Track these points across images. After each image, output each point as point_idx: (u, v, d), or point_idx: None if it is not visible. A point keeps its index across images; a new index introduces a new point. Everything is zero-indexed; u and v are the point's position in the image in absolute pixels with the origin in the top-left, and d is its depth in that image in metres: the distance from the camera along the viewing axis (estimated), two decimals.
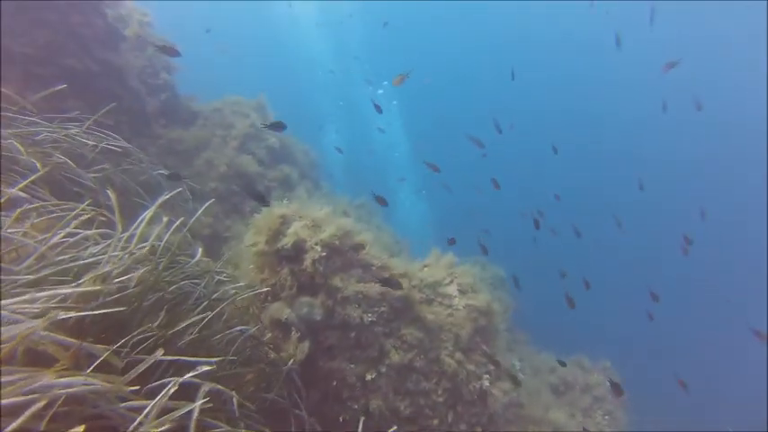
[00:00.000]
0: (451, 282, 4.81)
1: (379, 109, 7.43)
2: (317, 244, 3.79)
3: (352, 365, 4.05)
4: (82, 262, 2.48)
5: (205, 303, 3.18)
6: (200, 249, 3.48)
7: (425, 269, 4.88)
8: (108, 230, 3.18)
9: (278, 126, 5.95)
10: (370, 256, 4.37)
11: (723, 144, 27.53)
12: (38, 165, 3.89)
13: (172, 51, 5.46)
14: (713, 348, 20.72)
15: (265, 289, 4.04)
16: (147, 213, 3.08)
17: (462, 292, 4.77)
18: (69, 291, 2.23)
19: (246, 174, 7.52)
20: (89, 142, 4.45)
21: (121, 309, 2.39)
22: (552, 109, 30.58)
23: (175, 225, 3.20)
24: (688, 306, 23.32)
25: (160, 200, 3.05)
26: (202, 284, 3.23)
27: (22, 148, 3.92)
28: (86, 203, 3.17)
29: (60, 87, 4.64)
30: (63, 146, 4.37)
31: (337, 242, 3.88)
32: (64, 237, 2.77)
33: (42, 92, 5.17)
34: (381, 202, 6.18)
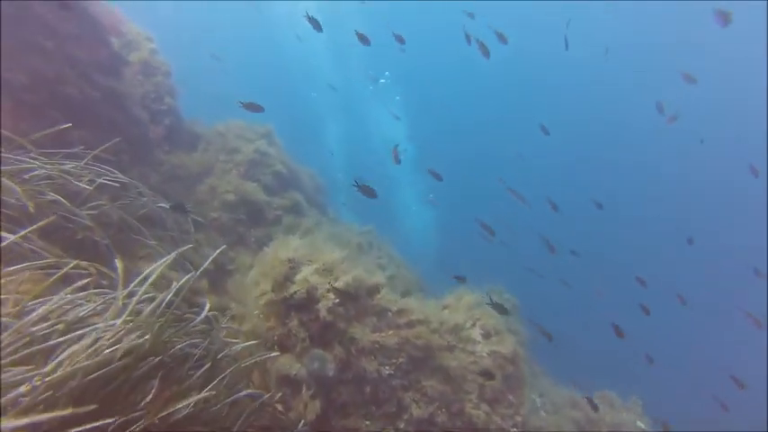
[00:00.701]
0: (474, 324, 4.44)
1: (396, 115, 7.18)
2: (329, 291, 3.44)
3: (367, 422, 3.67)
4: (66, 337, 2.14)
5: (207, 365, 2.83)
6: (207, 304, 3.13)
7: (445, 311, 4.52)
8: (103, 290, 2.85)
9: (254, 107, 5.63)
10: (385, 300, 4.02)
11: (723, 144, 27.25)
12: (29, 206, 3.60)
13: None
14: (713, 348, 20.55)
15: (273, 335, 3.69)
16: (156, 268, 2.75)
17: (486, 336, 4.39)
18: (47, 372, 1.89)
19: (252, 201, 7.22)
20: (80, 184, 4.15)
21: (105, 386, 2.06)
22: (552, 109, 30.20)
23: (177, 286, 2.87)
24: (687, 306, 23.06)
25: (163, 261, 2.72)
26: (205, 344, 2.88)
27: (19, 189, 3.64)
28: (75, 263, 2.82)
29: (65, 126, 4.38)
30: (57, 182, 4.08)
31: (352, 291, 3.53)
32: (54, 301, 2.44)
33: (35, 122, 4.91)
34: (367, 192, 5.14)
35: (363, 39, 6.99)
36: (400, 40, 8.45)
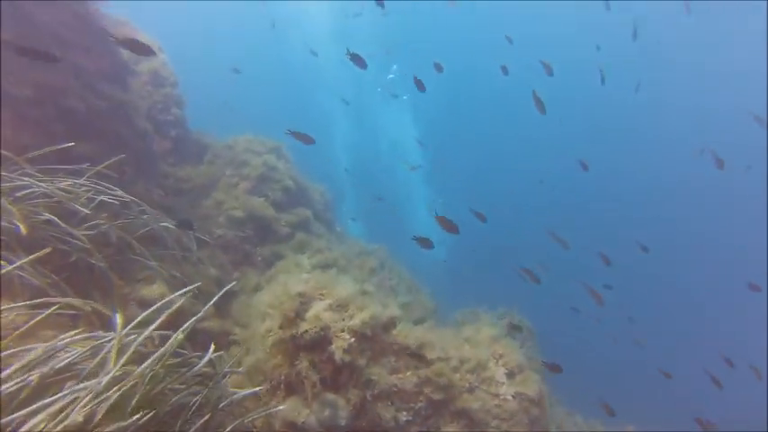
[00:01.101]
0: (497, 362, 4.09)
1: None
2: (343, 331, 3.12)
3: None
4: (47, 401, 1.83)
5: (207, 417, 2.51)
6: (211, 347, 2.81)
7: (466, 346, 4.18)
8: (93, 333, 2.54)
9: (305, 138, 5.61)
10: (402, 335, 3.69)
11: (723, 144, 27.55)
12: (22, 228, 3.33)
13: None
14: (713, 348, 20.56)
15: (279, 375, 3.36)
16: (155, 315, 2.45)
17: (510, 375, 4.04)
18: None
19: (260, 217, 6.94)
20: (76, 206, 3.88)
21: None
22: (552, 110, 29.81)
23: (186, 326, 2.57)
24: (687, 306, 23.11)
25: (166, 313, 2.42)
26: (204, 392, 2.56)
27: (13, 209, 3.38)
28: (66, 301, 2.53)
29: (67, 145, 4.13)
30: (53, 201, 3.81)
31: (369, 331, 3.21)
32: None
33: (37, 136, 4.67)
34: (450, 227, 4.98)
35: (357, 59, 6.02)
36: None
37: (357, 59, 5.68)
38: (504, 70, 7.77)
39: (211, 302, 2.80)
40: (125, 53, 7.58)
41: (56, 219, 3.64)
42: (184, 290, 2.73)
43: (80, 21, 5.50)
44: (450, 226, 5.00)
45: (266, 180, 7.32)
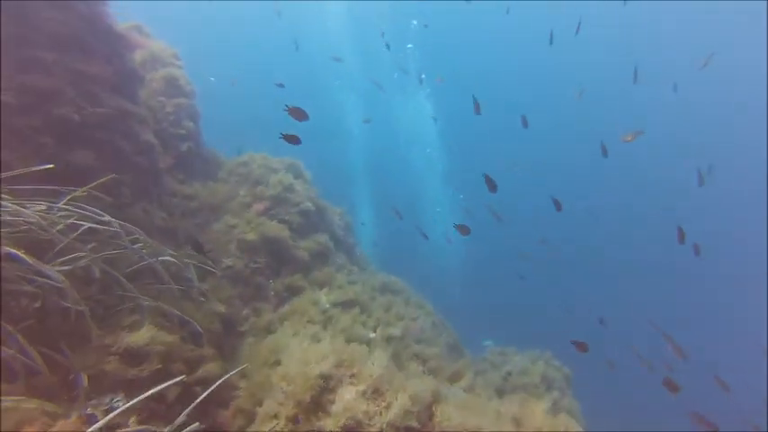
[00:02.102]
0: None
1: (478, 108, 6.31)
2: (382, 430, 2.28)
3: None
4: None
5: None
6: None
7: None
8: None
9: (293, 139, 4.50)
10: (446, 420, 2.82)
11: (723, 144, 26.95)
12: None
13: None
14: (713, 348, 20.29)
15: None
16: None
17: None
18: None
19: (275, 245, 6.18)
20: (52, 235, 3.17)
21: None
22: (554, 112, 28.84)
23: None
24: (687, 305, 22.88)
25: None
26: None
27: None
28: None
29: (45, 167, 3.45)
30: (18, 231, 3.10)
31: (414, 422, 2.36)
32: None
33: (22, 150, 4.01)
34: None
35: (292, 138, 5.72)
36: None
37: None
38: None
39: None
40: (137, 58, 7.03)
41: (19, 254, 2.91)
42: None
43: (84, 23, 4.89)
44: (465, 231, 5.53)
45: (283, 202, 6.59)
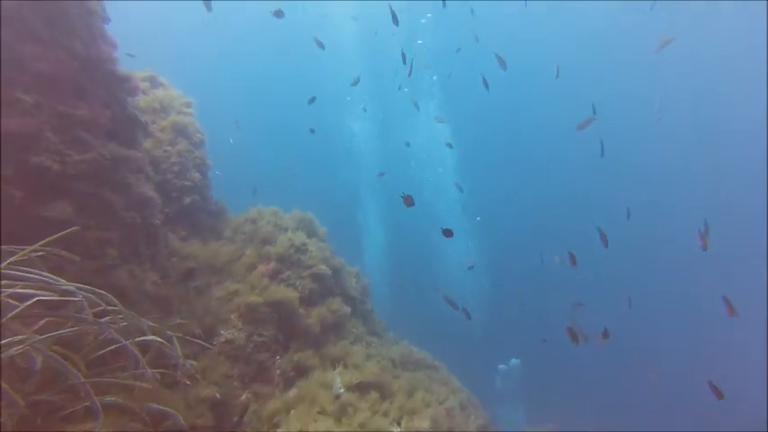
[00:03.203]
0: None
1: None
2: None
3: None
4: None
5: None
6: None
7: None
8: None
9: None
10: None
11: (722, 144, 26.82)
12: None
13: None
14: (713, 348, 20.40)
15: None
16: None
17: None
18: None
19: (283, 314, 5.31)
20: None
21: None
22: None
23: None
24: (687, 305, 22.89)
25: None
26: None
27: None
28: None
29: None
30: None
31: None
32: None
33: None
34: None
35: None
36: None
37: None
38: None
39: None
40: (143, 105, 6.57)
41: None
42: None
43: (80, 63, 4.38)
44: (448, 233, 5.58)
45: (294, 264, 5.78)
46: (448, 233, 5.56)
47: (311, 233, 6.77)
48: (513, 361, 16.16)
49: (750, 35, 21.15)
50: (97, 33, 4.76)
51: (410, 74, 7.21)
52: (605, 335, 6.85)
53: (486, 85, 8.18)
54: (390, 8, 7.05)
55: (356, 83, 8.59)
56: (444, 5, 8.89)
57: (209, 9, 7.22)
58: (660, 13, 21.10)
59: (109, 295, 3.32)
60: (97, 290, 3.15)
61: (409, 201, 5.50)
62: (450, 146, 12.15)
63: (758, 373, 18.08)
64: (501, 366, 16.02)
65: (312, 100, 8.56)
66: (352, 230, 18.63)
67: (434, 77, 19.68)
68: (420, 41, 19.60)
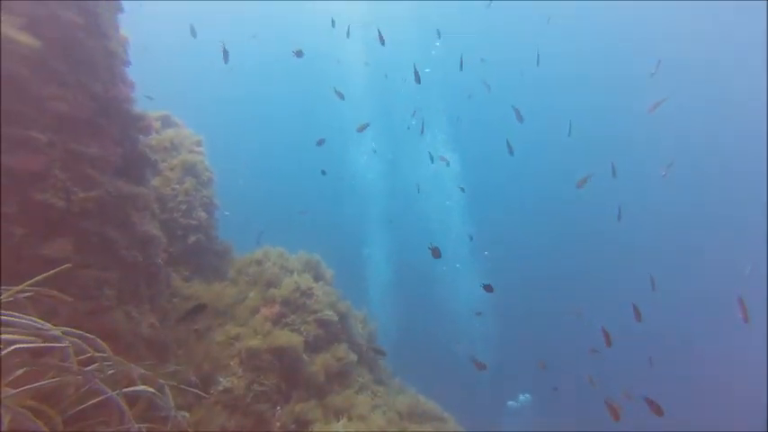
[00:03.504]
0: None
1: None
2: None
3: None
4: None
5: None
6: None
7: None
8: None
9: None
10: None
11: (723, 144, 26.68)
12: None
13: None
14: (713, 348, 20.37)
15: None
16: None
17: None
18: None
19: (285, 360, 5.05)
20: None
21: None
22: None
23: None
24: (687, 305, 22.60)
25: None
26: None
27: None
28: None
29: None
30: None
31: None
32: None
33: None
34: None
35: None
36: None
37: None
38: None
39: None
40: (152, 141, 6.60)
41: None
42: None
43: (97, 103, 4.40)
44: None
45: (299, 308, 5.57)
46: (436, 252, 5.69)
47: (318, 276, 6.59)
48: (523, 397, 15.39)
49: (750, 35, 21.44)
50: (117, 74, 4.83)
51: (419, 81, 7.37)
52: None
53: (510, 150, 8.26)
54: (414, 68, 7.24)
55: (363, 129, 8.64)
56: (461, 67, 9.08)
57: (226, 61, 7.49)
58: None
59: (98, 340, 3.13)
60: (86, 334, 2.97)
61: (437, 253, 5.67)
62: (462, 190, 12.02)
63: (758, 373, 18.04)
64: (510, 403, 15.23)
65: (321, 142, 8.62)
66: (357, 266, 18.30)
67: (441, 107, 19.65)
68: (428, 70, 19.61)
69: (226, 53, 7.42)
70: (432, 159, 13.46)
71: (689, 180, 26.59)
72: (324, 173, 9.55)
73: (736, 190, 26.41)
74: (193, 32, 7.94)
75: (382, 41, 7.71)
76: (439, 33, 13.02)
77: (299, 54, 7.05)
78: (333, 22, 9.99)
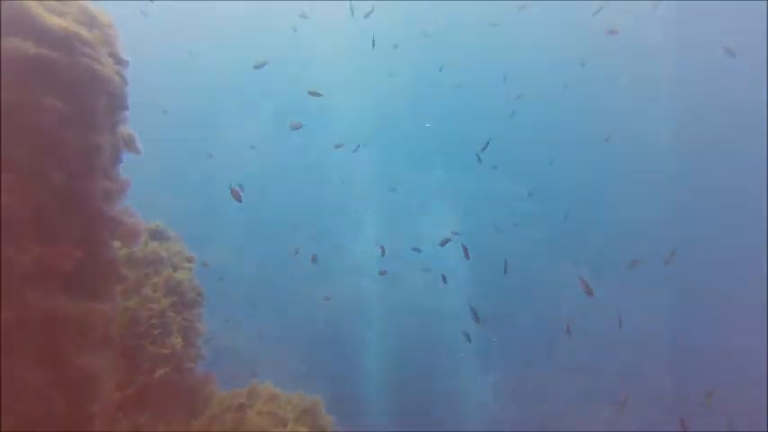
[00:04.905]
0: None
1: None
2: None
3: None
4: None
5: None
6: None
7: None
8: None
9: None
10: None
11: (722, 144, 26.10)
12: None
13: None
14: (712, 348, 20.00)
15: None
16: None
17: None
18: None
19: None
20: None
21: None
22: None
23: None
24: (687, 305, 21.94)
25: None
26: None
27: None
28: None
29: None
30: None
31: None
32: None
33: None
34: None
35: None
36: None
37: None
38: None
39: None
40: (138, 253, 5.73)
41: None
42: None
43: (55, 199, 3.63)
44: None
45: None
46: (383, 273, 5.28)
47: (315, 425, 5.11)
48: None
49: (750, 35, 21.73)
50: (97, 168, 4.15)
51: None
52: None
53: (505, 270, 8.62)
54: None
55: (297, 127, 8.44)
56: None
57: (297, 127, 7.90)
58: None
59: None
60: None
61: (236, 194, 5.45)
62: (467, 257, 10.31)
63: (758, 373, 18.03)
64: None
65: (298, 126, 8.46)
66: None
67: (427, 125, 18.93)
68: (429, 125, 19.15)
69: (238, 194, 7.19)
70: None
71: (689, 180, 26.36)
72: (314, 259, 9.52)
73: (736, 190, 25.86)
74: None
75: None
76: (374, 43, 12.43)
77: (295, 126, 7.40)
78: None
